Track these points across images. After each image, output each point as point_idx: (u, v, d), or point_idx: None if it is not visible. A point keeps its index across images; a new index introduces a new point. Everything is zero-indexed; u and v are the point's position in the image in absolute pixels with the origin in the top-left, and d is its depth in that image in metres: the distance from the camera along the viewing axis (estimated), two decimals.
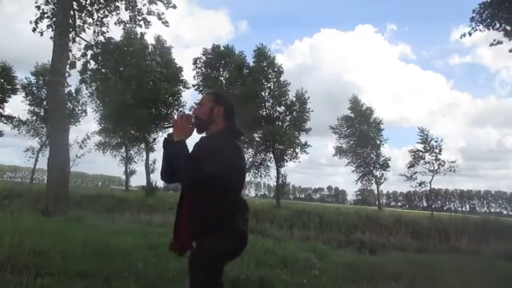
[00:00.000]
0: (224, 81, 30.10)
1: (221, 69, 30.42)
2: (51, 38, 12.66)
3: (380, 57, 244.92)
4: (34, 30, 13.45)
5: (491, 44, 12.06)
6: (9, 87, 29.42)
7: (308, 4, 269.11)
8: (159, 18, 13.90)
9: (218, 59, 29.97)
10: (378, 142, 32.33)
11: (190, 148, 2.15)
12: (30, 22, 13.41)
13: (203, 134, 2.26)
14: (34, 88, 30.06)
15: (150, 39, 28.82)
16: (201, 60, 30.42)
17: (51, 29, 13.26)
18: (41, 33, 13.49)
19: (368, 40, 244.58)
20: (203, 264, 1.98)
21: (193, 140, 2.31)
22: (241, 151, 2.16)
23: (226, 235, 2.00)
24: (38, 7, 13.16)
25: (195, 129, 2.19)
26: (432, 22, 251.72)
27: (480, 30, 11.83)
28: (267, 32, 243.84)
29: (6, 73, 28.86)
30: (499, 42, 11.92)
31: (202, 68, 30.47)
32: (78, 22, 13.65)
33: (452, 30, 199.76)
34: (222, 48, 30.06)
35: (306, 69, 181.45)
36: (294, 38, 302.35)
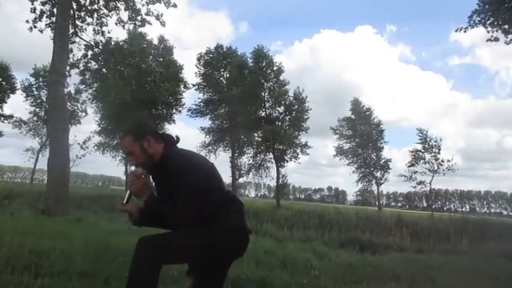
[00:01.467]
0: (224, 82, 30.14)
1: (222, 70, 30.45)
2: (51, 38, 12.66)
3: (380, 58, 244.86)
4: (31, 29, 13.44)
5: (488, 40, 12.08)
6: (8, 86, 29.43)
7: (307, 5, 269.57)
8: (157, 18, 13.94)
9: (220, 59, 30.00)
10: (379, 143, 32.45)
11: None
12: (27, 21, 13.40)
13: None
14: (34, 88, 30.09)
15: (151, 38, 28.89)
16: (204, 58, 30.43)
17: (50, 28, 13.28)
18: (41, 31, 13.48)
19: (367, 41, 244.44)
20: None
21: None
22: (199, 166, 2.09)
23: (218, 231, 1.99)
24: (34, 9, 13.17)
25: (148, 176, 2.11)
26: (431, 23, 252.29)
27: (478, 26, 11.87)
28: (267, 33, 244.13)
29: (4, 72, 28.86)
30: (496, 39, 11.95)
31: (203, 67, 30.46)
32: (78, 22, 13.68)
33: (451, 31, 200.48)
34: (224, 48, 30.04)
35: (306, 70, 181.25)
36: (294, 39, 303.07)
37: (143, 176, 2.06)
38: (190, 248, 1.99)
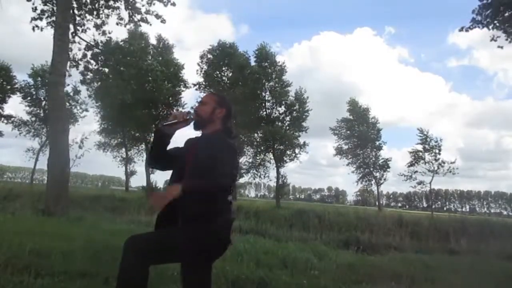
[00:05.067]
0: (226, 81, 30.07)
1: (224, 68, 30.36)
2: (50, 34, 12.65)
3: (379, 59, 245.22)
4: (33, 29, 13.46)
5: (492, 40, 12.04)
6: (9, 87, 29.45)
7: (307, 7, 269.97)
8: (157, 17, 13.92)
9: (221, 58, 29.89)
10: (378, 143, 32.50)
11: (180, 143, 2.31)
12: (31, 21, 13.41)
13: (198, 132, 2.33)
14: (32, 89, 30.06)
15: (152, 39, 28.93)
16: (207, 56, 30.29)
17: (50, 27, 13.28)
18: (41, 29, 13.48)
19: (367, 42, 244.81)
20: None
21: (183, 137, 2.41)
22: (236, 154, 2.24)
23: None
24: (35, 8, 13.17)
25: (190, 124, 2.28)
26: (429, 25, 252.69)
27: (480, 28, 11.85)
28: (267, 35, 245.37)
29: (5, 73, 28.87)
30: (498, 38, 11.94)
31: (205, 66, 30.33)
32: (78, 22, 13.67)
33: (449, 33, 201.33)
34: (227, 45, 29.84)
35: (305, 71, 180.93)
36: (293, 40, 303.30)
37: (188, 117, 2.25)
38: (177, 248, 2.01)
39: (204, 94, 2.52)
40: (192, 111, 2.34)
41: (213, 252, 2.13)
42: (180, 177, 2.14)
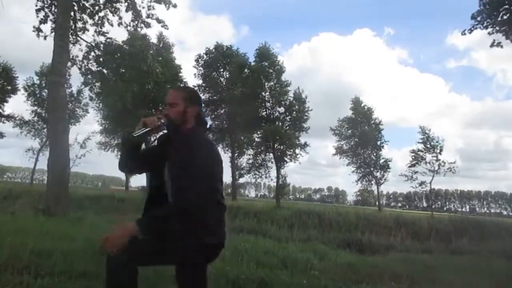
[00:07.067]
0: (224, 82, 30.12)
1: (221, 69, 30.44)
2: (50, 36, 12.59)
3: (379, 60, 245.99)
4: (38, 35, 13.43)
5: (492, 45, 12.05)
6: (9, 87, 29.48)
7: (306, 9, 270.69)
8: (158, 21, 13.93)
9: (219, 59, 29.97)
10: (379, 143, 32.43)
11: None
12: (34, 27, 13.37)
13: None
14: (36, 88, 30.15)
15: (152, 38, 28.91)
16: (203, 59, 30.39)
17: (50, 32, 13.25)
18: (45, 37, 13.46)
19: (366, 43, 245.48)
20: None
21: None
22: (217, 154, 2.07)
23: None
24: (38, 10, 13.14)
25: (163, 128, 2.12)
26: (429, 25, 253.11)
27: (481, 29, 11.83)
28: (267, 36, 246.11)
29: (6, 74, 28.89)
30: (499, 43, 11.92)
31: (203, 68, 30.43)
32: (79, 23, 13.65)
33: (448, 34, 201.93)
34: (224, 48, 29.98)
35: (305, 72, 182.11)
36: (293, 42, 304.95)
37: (161, 122, 2.08)
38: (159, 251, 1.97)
39: (170, 90, 2.26)
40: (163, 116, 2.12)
41: (208, 259, 2.08)
42: (161, 178, 2.06)
